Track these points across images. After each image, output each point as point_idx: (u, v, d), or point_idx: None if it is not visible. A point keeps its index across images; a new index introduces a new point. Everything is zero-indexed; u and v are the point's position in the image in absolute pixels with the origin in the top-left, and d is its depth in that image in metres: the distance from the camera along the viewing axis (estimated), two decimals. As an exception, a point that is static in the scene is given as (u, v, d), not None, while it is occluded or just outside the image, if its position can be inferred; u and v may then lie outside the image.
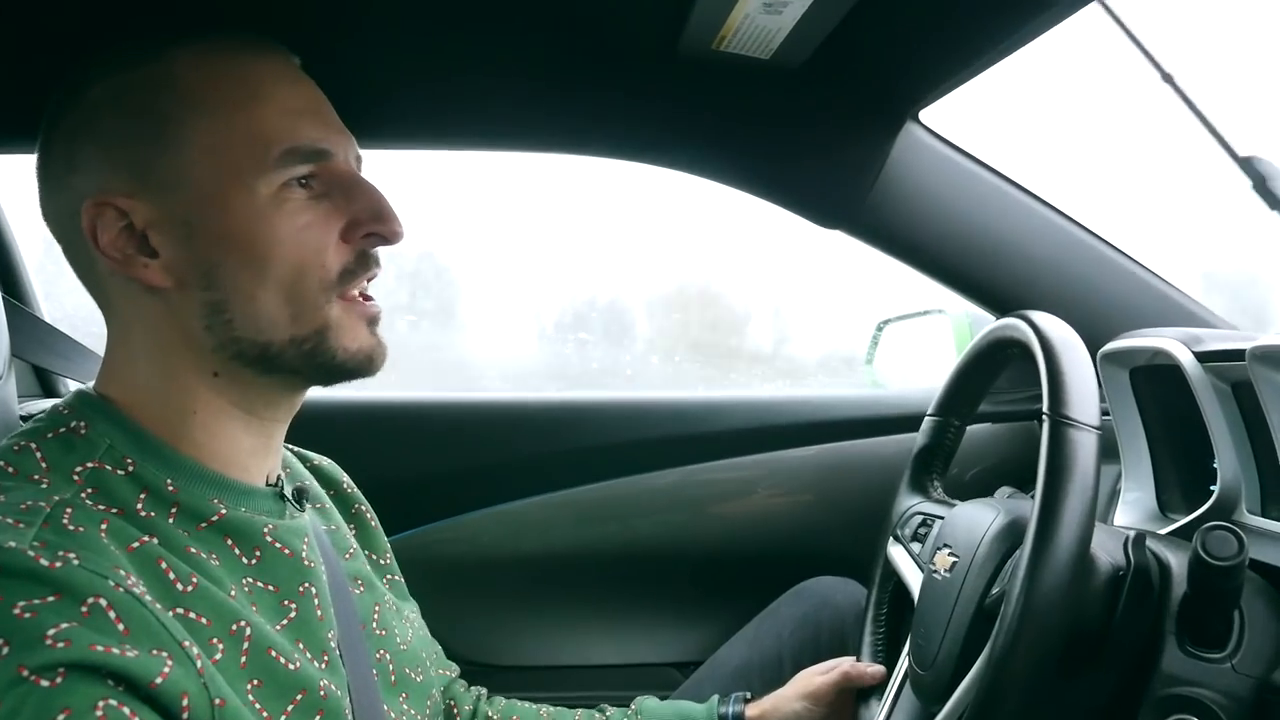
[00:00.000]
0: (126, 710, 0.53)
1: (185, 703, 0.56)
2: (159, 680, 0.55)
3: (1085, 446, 0.74)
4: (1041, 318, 0.86)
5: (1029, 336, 0.85)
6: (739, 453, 1.50)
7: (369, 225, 0.72)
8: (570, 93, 1.15)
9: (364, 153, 0.78)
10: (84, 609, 0.55)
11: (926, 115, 1.23)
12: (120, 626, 0.55)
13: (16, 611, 0.53)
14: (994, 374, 1.05)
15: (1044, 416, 0.76)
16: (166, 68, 0.70)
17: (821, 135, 1.21)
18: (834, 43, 1.02)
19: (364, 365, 0.74)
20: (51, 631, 0.53)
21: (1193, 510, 0.99)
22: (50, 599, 0.54)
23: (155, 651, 0.56)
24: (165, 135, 0.69)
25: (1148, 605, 0.79)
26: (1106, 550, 0.81)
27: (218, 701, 0.59)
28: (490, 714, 1.01)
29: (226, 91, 0.70)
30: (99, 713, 0.52)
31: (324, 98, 0.75)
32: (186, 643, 0.59)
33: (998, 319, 0.98)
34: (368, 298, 0.75)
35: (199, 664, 0.59)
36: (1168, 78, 1.19)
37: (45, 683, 0.51)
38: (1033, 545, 0.72)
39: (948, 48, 1.06)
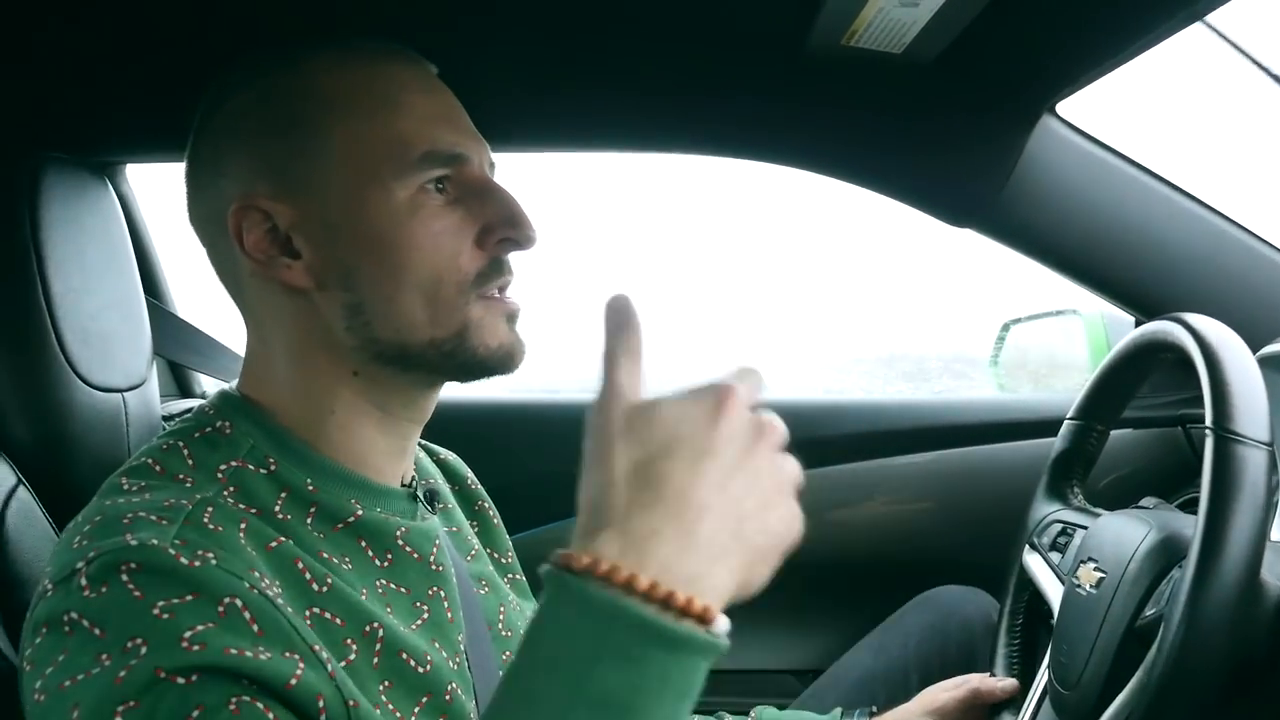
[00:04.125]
0: (260, 705, 0.54)
1: (321, 704, 0.57)
2: (293, 682, 0.56)
3: (1254, 463, 0.70)
4: (1199, 320, 0.81)
5: (1186, 341, 0.81)
6: (857, 458, 1.47)
7: (503, 231, 0.72)
8: (698, 95, 1.13)
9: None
10: (220, 609, 0.55)
11: (1064, 108, 1.18)
12: (255, 628, 0.56)
13: (156, 611, 0.54)
14: (1142, 378, 1.01)
15: (1208, 430, 0.72)
16: (307, 75, 0.71)
17: (954, 131, 1.17)
18: (970, 35, 0.98)
19: (504, 362, 0.73)
20: (188, 634, 0.54)
21: (1368, 529, 0.92)
22: (188, 598, 0.55)
23: (288, 654, 0.57)
24: (306, 139, 0.70)
25: (1322, 632, 0.74)
26: (1275, 573, 0.76)
27: (351, 703, 0.59)
28: None
29: (365, 97, 0.71)
30: (232, 707, 0.53)
31: (459, 105, 0.76)
32: (317, 646, 0.59)
33: (1140, 320, 0.93)
34: (507, 295, 0.74)
35: (329, 667, 0.59)
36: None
37: (181, 680, 0.53)
38: (1196, 567, 0.68)
39: (1087, 40, 1.01)
